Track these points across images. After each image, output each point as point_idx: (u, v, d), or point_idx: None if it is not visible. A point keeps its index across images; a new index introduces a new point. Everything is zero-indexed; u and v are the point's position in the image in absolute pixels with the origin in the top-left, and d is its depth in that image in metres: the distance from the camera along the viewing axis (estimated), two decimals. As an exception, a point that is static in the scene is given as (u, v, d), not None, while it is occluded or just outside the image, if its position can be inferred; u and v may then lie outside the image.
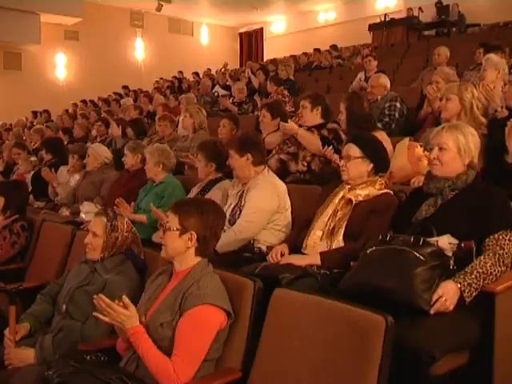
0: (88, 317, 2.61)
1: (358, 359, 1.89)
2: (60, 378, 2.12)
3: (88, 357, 2.29)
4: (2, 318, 3.11)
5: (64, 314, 2.74)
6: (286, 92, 6.25)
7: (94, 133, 7.82)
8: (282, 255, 2.88)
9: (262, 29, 21.87)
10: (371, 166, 2.89)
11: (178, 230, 2.27)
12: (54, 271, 3.61)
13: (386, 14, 14.72)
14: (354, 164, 2.89)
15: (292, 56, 13.69)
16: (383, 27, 14.38)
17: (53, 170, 5.46)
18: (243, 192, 3.34)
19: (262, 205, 3.20)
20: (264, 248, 3.21)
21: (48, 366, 2.28)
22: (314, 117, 4.16)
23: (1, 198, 4.15)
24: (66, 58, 17.57)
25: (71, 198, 5.14)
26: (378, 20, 14.82)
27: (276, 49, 19.58)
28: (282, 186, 3.38)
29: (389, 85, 5.22)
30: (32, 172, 5.98)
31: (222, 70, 13.53)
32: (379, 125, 4.71)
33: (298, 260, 2.76)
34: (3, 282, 3.61)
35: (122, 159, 4.74)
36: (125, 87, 14.15)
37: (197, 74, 14.44)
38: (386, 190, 2.87)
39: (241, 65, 19.17)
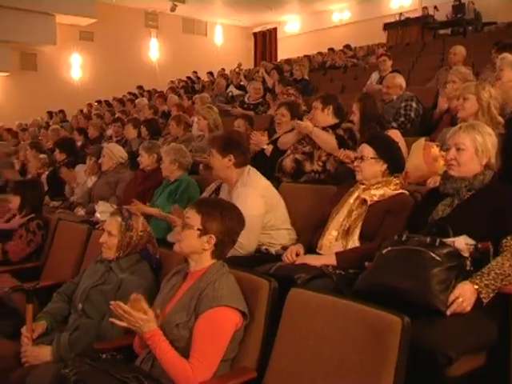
0: (104, 315, 2.62)
1: (374, 360, 1.88)
2: (76, 376, 2.13)
3: (104, 355, 2.31)
4: (19, 316, 3.14)
5: (80, 313, 2.75)
6: (292, 91, 6.22)
7: (108, 133, 7.86)
8: (297, 255, 2.88)
9: (275, 29, 21.88)
10: (385, 166, 2.89)
11: (198, 230, 2.26)
12: (69, 270, 3.63)
13: (401, 13, 14.67)
14: (368, 164, 2.88)
15: (306, 56, 13.68)
16: (398, 26, 14.33)
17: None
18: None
19: (249, 213, 2.91)
20: (272, 250, 3.21)
21: (64, 364, 2.29)
22: (325, 117, 4.14)
23: (17, 197, 4.22)
24: (80, 58, 17.70)
25: (86, 197, 5.17)
26: (392, 19, 14.79)
27: (290, 48, 19.58)
28: (264, 185, 3.34)
29: (404, 84, 5.18)
30: (47, 172, 6.03)
31: (237, 69, 13.55)
32: (394, 124, 4.70)
33: (313, 260, 2.75)
34: (20, 281, 3.66)
35: (138, 159, 4.75)
36: (139, 87, 14.22)
37: (211, 73, 14.48)
38: (401, 190, 2.86)
39: (255, 65, 19.18)
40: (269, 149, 4.49)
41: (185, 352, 2.11)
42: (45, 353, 2.56)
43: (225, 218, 2.28)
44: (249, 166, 3.39)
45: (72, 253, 3.74)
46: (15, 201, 4.23)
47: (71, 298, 2.92)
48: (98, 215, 4.39)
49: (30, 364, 2.55)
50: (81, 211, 4.95)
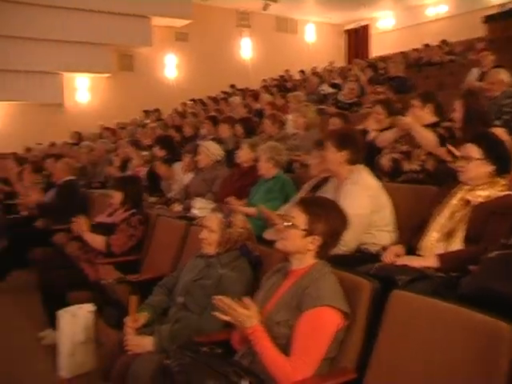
0: (203, 309, 2.69)
1: (481, 367, 1.81)
2: (179, 368, 2.18)
3: (203, 348, 2.35)
4: (122, 306, 3.28)
5: (180, 306, 2.83)
6: (381, 89, 6.05)
7: (203, 131, 8.01)
8: (398, 256, 2.81)
9: (367, 25, 21.54)
10: (492, 167, 2.74)
11: (304, 230, 2.25)
12: (168, 264, 3.75)
13: (503, 4, 14.00)
14: (474, 165, 2.74)
15: (401, 52, 13.35)
16: (500, 19, 13.65)
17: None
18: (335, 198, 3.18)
19: (354, 212, 2.92)
20: (371, 249, 3.15)
21: (166, 355, 2.36)
22: (424, 115, 4.03)
23: (118, 193, 4.37)
24: (175, 58, 18.20)
25: (183, 194, 5.30)
26: (492, 12, 14.11)
27: (383, 45, 19.23)
28: (374, 185, 3.25)
29: (509, 80, 4.94)
30: (147, 168, 6.23)
31: (328, 67, 13.44)
32: (497, 122, 4.49)
33: (413, 261, 2.66)
34: (121, 273, 3.82)
35: (236, 152, 4.80)
36: (232, 86, 14.42)
37: (302, 72, 14.46)
38: (508, 192, 2.71)
39: (348, 62, 18.96)
40: (372, 134, 4.41)
41: (285, 349, 2.11)
42: (147, 343, 2.64)
43: (330, 219, 2.26)
44: (361, 165, 3.33)
45: (171, 247, 3.85)
46: (117, 196, 4.38)
47: (171, 291, 3.01)
48: (195, 211, 4.49)
49: (133, 352, 2.63)
50: (177, 207, 5.04)
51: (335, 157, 3.27)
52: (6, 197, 7.71)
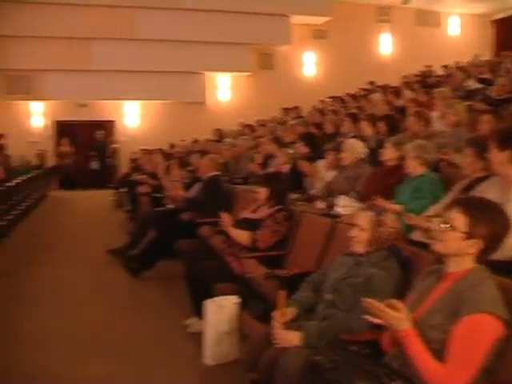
0: (352, 308, 2.67)
1: None
2: (330, 364, 2.18)
3: (352, 347, 2.33)
4: (267, 300, 3.36)
5: (328, 303, 2.83)
6: None
7: (343, 128, 7.96)
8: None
9: (519, 13, 20.08)
10: None
11: (464, 233, 2.15)
12: (312, 260, 3.77)
13: None
14: None
15: None
16: None
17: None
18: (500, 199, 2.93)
19: None
20: None
21: (313, 351, 2.36)
22: None
23: (265, 189, 4.45)
24: (314, 56, 18.29)
25: (325, 191, 5.31)
26: None
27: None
28: None
29: None
30: (290, 165, 6.30)
31: (474, 61, 12.76)
32: None
33: None
34: (264, 268, 3.90)
35: (380, 150, 4.71)
36: (371, 82, 14.17)
37: (445, 66, 13.86)
38: None
39: (494, 55, 17.84)
40: None
41: (439, 355, 2.03)
42: (294, 337, 2.66)
43: (492, 222, 2.14)
44: None
45: (315, 244, 3.86)
46: (263, 192, 4.47)
47: (318, 288, 3.02)
48: (339, 209, 4.48)
49: (280, 346, 2.66)
50: (320, 204, 5.05)
51: (499, 158, 3.05)
52: (153, 190, 8.17)
